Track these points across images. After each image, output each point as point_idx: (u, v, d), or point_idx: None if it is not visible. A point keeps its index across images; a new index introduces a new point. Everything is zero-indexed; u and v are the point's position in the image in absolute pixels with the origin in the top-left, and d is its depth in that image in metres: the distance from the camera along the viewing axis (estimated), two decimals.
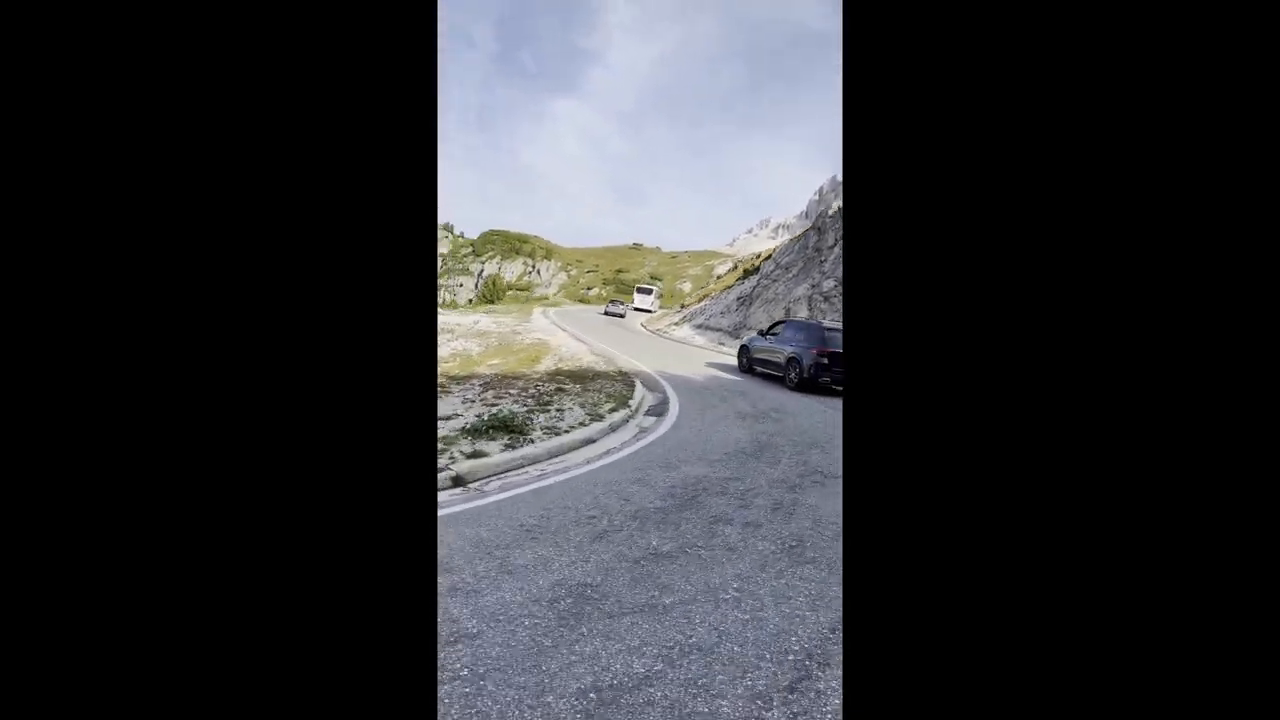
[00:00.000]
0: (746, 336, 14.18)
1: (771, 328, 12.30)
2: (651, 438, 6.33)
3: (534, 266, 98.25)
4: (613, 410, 7.13)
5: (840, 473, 5.13)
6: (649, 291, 46.52)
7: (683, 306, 36.68)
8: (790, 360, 10.41)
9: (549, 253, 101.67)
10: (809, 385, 9.90)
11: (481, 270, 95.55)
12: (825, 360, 9.72)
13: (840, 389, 10.27)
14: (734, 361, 12.42)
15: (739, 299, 24.10)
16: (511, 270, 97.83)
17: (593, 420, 6.58)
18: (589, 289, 76.17)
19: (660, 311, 39.65)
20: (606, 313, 36.26)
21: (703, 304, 29.24)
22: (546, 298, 65.84)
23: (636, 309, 42.05)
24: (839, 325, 11.06)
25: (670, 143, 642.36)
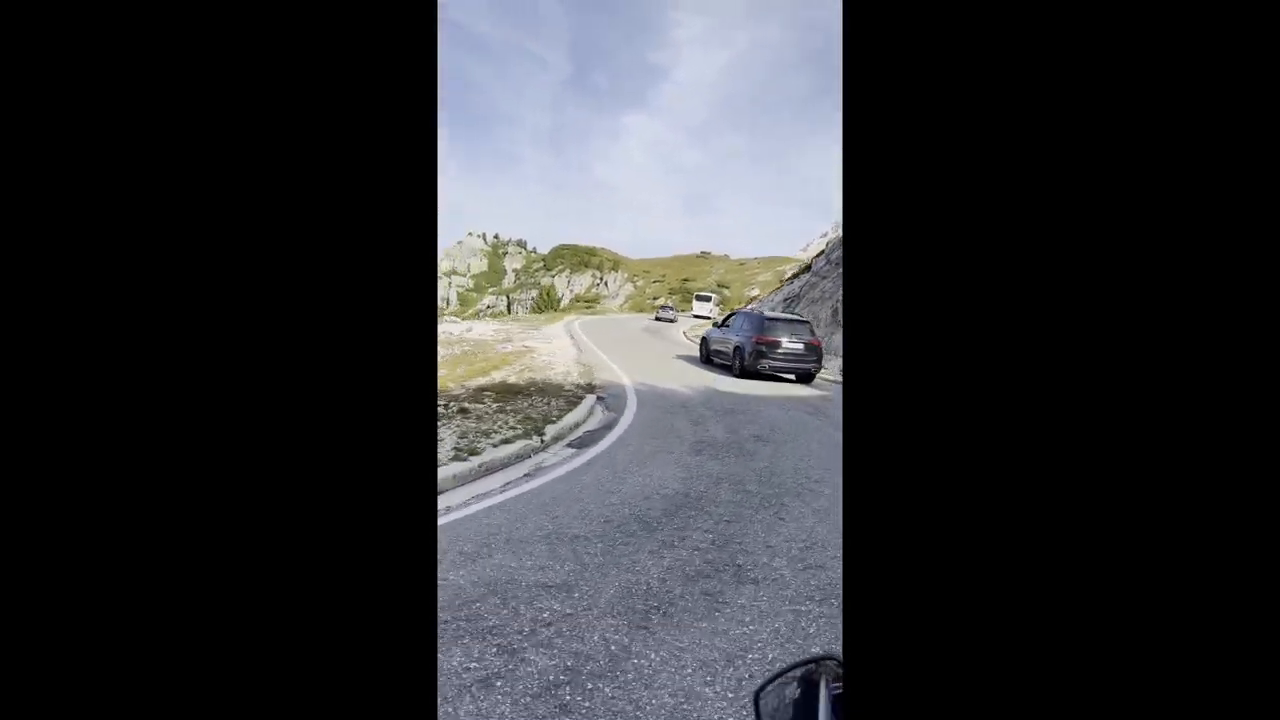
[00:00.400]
0: (706, 329, 14.85)
1: (725, 319, 12.96)
2: (529, 486, 4.21)
3: (602, 278, 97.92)
4: (507, 441, 5.05)
5: (774, 573, 2.81)
6: (708, 299, 45.17)
7: (733, 311, 34.43)
8: (736, 349, 10.84)
9: (616, 264, 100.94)
10: (751, 372, 10.35)
11: (552, 283, 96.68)
12: (763, 348, 10.25)
13: (789, 377, 10.67)
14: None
15: (785, 299, 21.33)
16: (580, 282, 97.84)
17: (456, 459, 4.52)
18: (655, 299, 74.83)
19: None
20: (657, 318, 35.22)
21: (749, 307, 26.70)
22: (594, 307, 64.37)
23: (696, 316, 40.69)
24: (781, 315, 12.09)
25: (739, 151, 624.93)
